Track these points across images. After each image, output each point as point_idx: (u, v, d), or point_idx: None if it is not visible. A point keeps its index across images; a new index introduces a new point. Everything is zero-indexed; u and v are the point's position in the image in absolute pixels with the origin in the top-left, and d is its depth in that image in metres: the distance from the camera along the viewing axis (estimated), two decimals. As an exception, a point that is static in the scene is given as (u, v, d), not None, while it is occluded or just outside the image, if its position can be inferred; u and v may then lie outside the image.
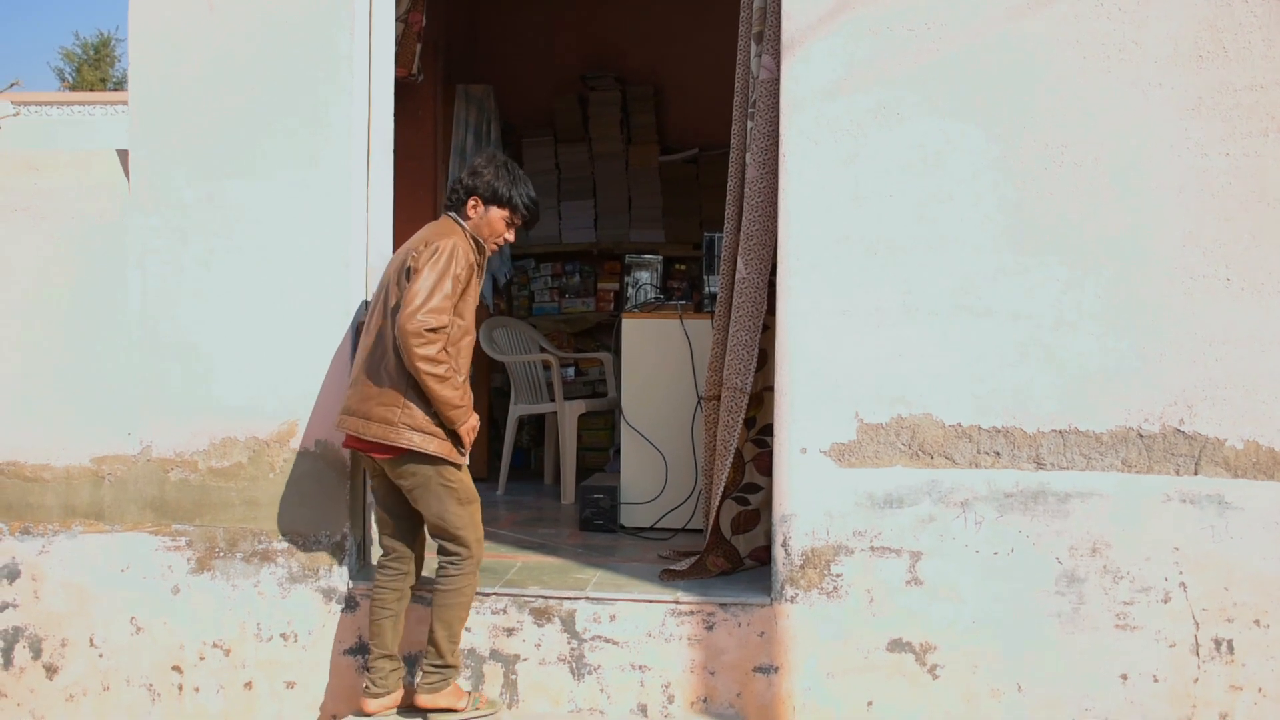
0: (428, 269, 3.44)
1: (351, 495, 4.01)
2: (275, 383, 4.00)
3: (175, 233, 4.02)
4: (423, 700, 3.62)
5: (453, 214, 3.68)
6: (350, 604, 3.95)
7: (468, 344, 3.59)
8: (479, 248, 3.64)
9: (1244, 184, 3.55)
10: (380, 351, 3.54)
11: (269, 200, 3.98)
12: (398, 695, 3.71)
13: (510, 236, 3.73)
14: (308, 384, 3.99)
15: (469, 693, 3.72)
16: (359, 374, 3.59)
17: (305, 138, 3.96)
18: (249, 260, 3.99)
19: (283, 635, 3.98)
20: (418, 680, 3.68)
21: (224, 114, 4.00)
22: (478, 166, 3.69)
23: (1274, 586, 3.55)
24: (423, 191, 5.72)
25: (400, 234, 4.75)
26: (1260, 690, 3.55)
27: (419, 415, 3.48)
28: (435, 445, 3.50)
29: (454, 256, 3.48)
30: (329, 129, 3.96)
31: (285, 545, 3.99)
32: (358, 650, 3.94)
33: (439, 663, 3.62)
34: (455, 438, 3.55)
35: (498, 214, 3.66)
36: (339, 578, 3.97)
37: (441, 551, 3.63)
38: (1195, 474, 3.58)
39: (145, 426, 4.04)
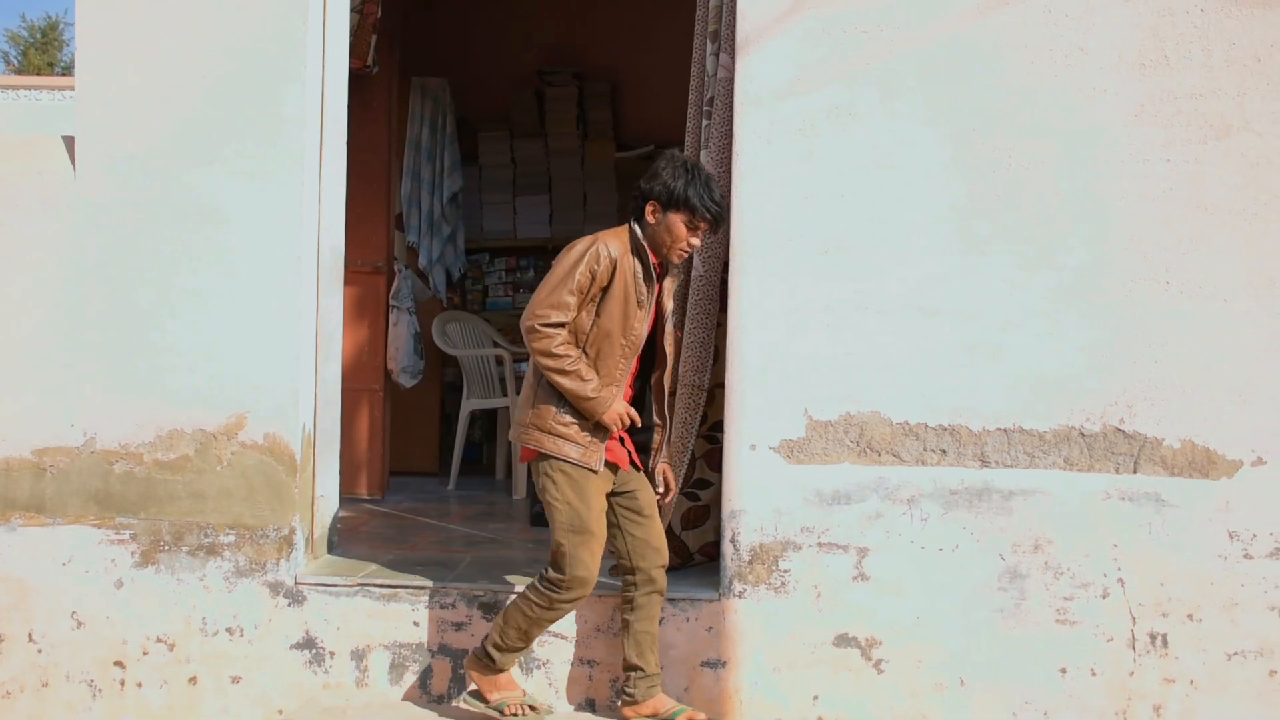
0: (555, 266, 3.42)
1: (300, 488, 3.98)
2: (224, 375, 3.96)
3: (122, 222, 3.97)
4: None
5: (632, 221, 3.52)
6: (297, 598, 3.93)
7: (611, 347, 3.44)
8: (642, 255, 3.45)
9: (1184, 190, 3.63)
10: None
11: (219, 190, 3.93)
12: (648, 705, 3.56)
13: (696, 242, 3.48)
14: (257, 376, 3.95)
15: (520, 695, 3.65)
16: None
17: (257, 126, 3.92)
18: (197, 250, 3.95)
19: (229, 630, 3.95)
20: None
21: (174, 101, 3.95)
22: (657, 169, 3.48)
23: (1207, 582, 3.63)
24: (377, 185, 5.68)
25: (353, 227, 4.74)
26: (1192, 682, 3.64)
27: (545, 413, 3.44)
28: (550, 443, 3.43)
29: (586, 255, 3.38)
30: (282, 118, 3.92)
31: (232, 539, 3.96)
32: (305, 645, 3.92)
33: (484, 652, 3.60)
34: (596, 436, 3.44)
35: (676, 218, 3.43)
36: (286, 572, 3.95)
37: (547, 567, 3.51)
38: (1134, 472, 3.66)
39: (89, 418, 3.99)
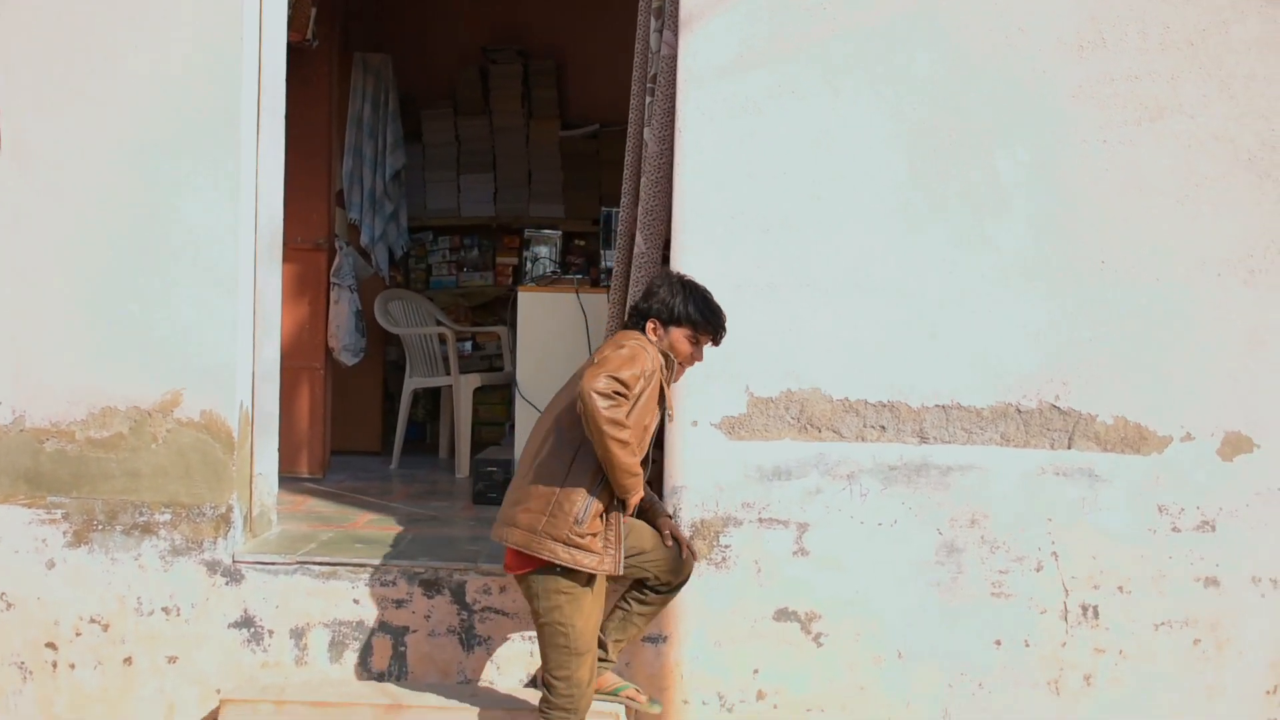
0: (613, 355, 3.24)
1: (238, 466, 3.94)
2: (159, 351, 3.89)
3: (48, 190, 3.87)
4: None
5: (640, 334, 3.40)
6: (235, 577, 3.89)
7: (639, 444, 3.30)
8: (667, 362, 3.36)
9: (1119, 172, 3.69)
10: (536, 450, 3.36)
11: (151, 160, 3.87)
12: (597, 681, 3.48)
13: (700, 357, 3.42)
14: (193, 353, 3.90)
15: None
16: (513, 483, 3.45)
17: (191, 95, 3.85)
18: (129, 223, 3.87)
19: (165, 609, 3.90)
20: None
21: (104, 69, 3.86)
22: (652, 286, 3.41)
23: (1136, 555, 3.71)
24: (317, 161, 5.61)
25: (293, 204, 4.68)
26: (1121, 652, 3.72)
27: (563, 522, 3.22)
28: (565, 553, 3.23)
29: (641, 355, 3.24)
30: (215, 87, 3.85)
31: (168, 517, 3.90)
32: (243, 624, 3.88)
33: None
34: (611, 539, 3.30)
35: (679, 334, 3.35)
36: (224, 550, 3.90)
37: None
38: (1069, 448, 3.72)
39: (18, 395, 3.90)
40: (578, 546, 3.22)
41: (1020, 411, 3.73)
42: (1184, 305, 3.69)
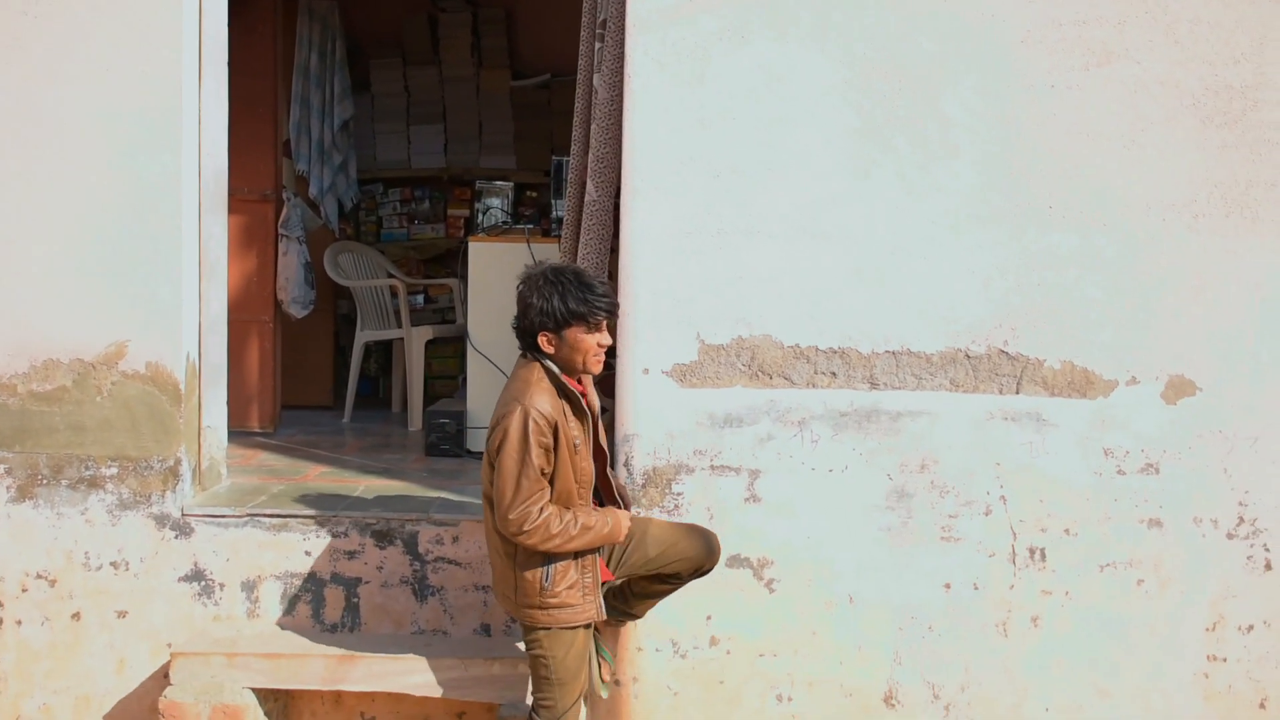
0: (501, 461, 3.07)
1: (185, 419, 3.89)
2: (102, 302, 3.82)
3: (-13, 142, 3.79)
4: None
5: (532, 356, 3.18)
6: (184, 530, 3.85)
7: (570, 499, 3.18)
8: (567, 392, 3.15)
9: (1066, 116, 3.70)
10: (488, 519, 3.25)
11: (91, 109, 3.78)
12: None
13: (607, 340, 3.19)
14: (138, 304, 3.83)
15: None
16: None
17: (128, 42, 3.76)
18: (69, 172, 3.79)
19: (113, 564, 3.86)
20: None
21: (40, 13, 3.76)
22: (523, 299, 3.15)
23: (1082, 498, 3.76)
24: (262, 110, 5.50)
25: (238, 154, 4.59)
26: (1067, 594, 3.78)
27: (530, 590, 3.16)
28: (545, 617, 3.17)
29: (525, 435, 3.03)
30: (155, 35, 3.76)
31: (115, 471, 3.85)
32: (193, 577, 3.85)
33: None
34: (586, 584, 3.21)
35: (575, 333, 3.12)
36: (172, 504, 3.86)
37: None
38: (1017, 393, 3.76)
39: (-42, 348, 3.83)
40: (554, 607, 3.15)
41: (969, 357, 3.75)
42: (1129, 250, 3.72)
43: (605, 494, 3.39)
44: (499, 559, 3.24)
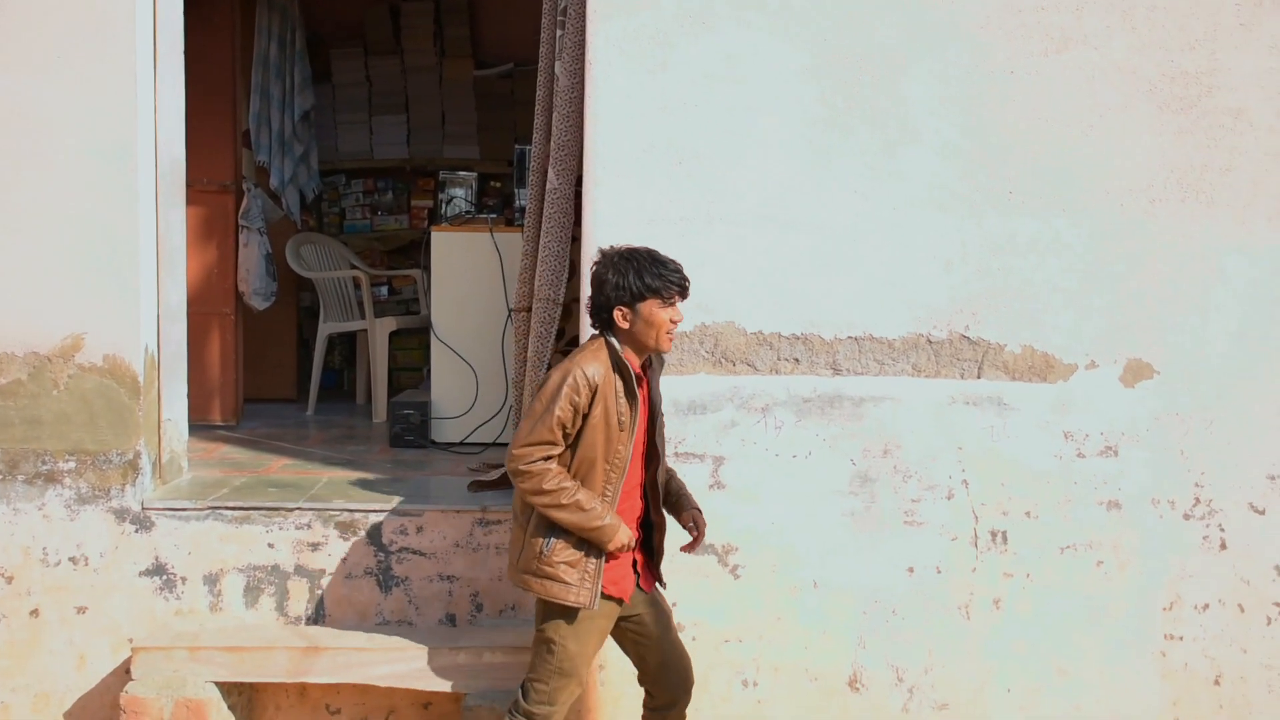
0: (533, 403, 3.12)
1: (145, 412, 3.85)
2: (57, 294, 3.78)
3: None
4: None
5: (603, 334, 3.18)
6: (145, 524, 3.81)
7: (594, 474, 3.12)
8: (624, 371, 3.11)
9: (1025, 101, 3.73)
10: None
11: (43, 98, 3.72)
12: None
13: (680, 317, 3.16)
14: (94, 296, 3.79)
15: None
16: None
17: (81, 30, 3.71)
18: (21, 162, 3.73)
19: (72, 559, 3.82)
20: None
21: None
22: (598, 276, 3.16)
23: (1043, 481, 3.80)
24: (221, 100, 5.45)
25: (198, 144, 4.55)
26: (1029, 576, 3.82)
27: (530, 553, 3.14)
28: (537, 585, 3.13)
29: (565, 387, 3.04)
30: (110, 26, 3.71)
31: (72, 465, 3.81)
32: (154, 571, 3.82)
33: None
34: (587, 571, 3.13)
35: (651, 306, 3.10)
36: (132, 497, 3.82)
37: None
38: (978, 377, 3.78)
39: (-90, 341, 3.77)
40: (547, 577, 3.11)
41: (931, 342, 3.78)
42: (1088, 235, 3.76)
43: (653, 503, 3.29)
44: (516, 526, 3.23)
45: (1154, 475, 3.81)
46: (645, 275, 3.10)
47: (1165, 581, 3.84)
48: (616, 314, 3.13)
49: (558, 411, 3.05)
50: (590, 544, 3.10)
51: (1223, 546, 3.83)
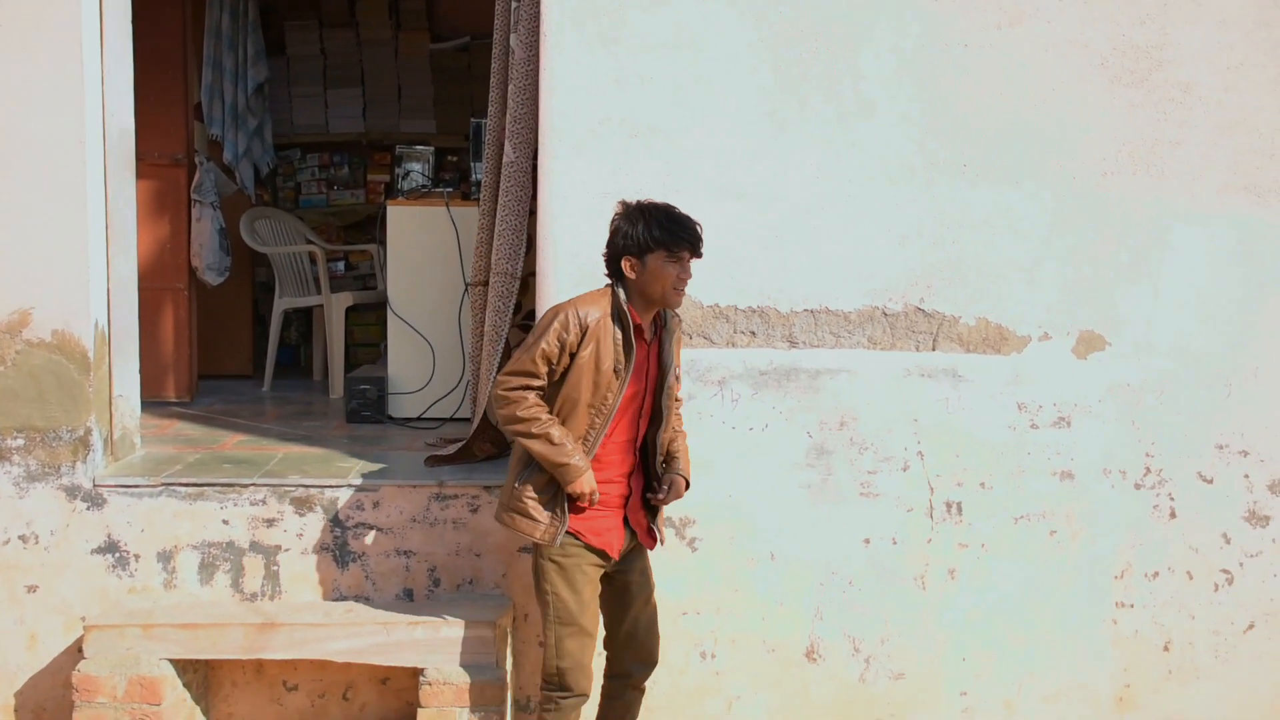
0: (528, 335, 3.21)
1: (95, 388, 3.79)
2: (2, 270, 3.70)
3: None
4: None
5: (614, 285, 3.19)
6: (96, 501, 3.77)
7: (576, 414, 3.14)
8: (624, 320, 3.13)
9: (981, 75, 3.74)
10: None
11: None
12: None
13: (686, 275, 3.16)
14: (41, 270, 3.72)
15: None
16: None
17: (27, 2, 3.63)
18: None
19: (21, 537, 3.76)
20: None
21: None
22: (612, 224, 3.18)
23: (997, 452, 3.84)
24: (172, 72, 5.35)
25: (148, 117, 4.47)
26: (983, 546, 3.86)
27: (509, 487, 3.23)
28: (508, 519, 3.21)
29: (552, 325, 3.11)
30: (53, -9, 3.64)
31: (21, 442, 3.75)
32: (107, 549, 3.77)
33: None
34: (555, 511, 3.17)
35: (658, 259, 3.10)
36: (83, 474, 3.77)
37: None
38: (933, 350, 3.81)
39: None
40: (517, 511, 3.18)
41: (887, 314, 3.80)
42: (1042, 207, 3.78)
43: (652, 463, 3.29)
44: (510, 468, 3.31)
45: (1106, 446, 3.86)
46: (655, 228, 3.11)
47: (1116, 550, 3.90)
48: (624, 264, 3.15)
49: (544, 345, 3.11)
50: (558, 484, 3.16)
51: (1172, 515, 3.89)
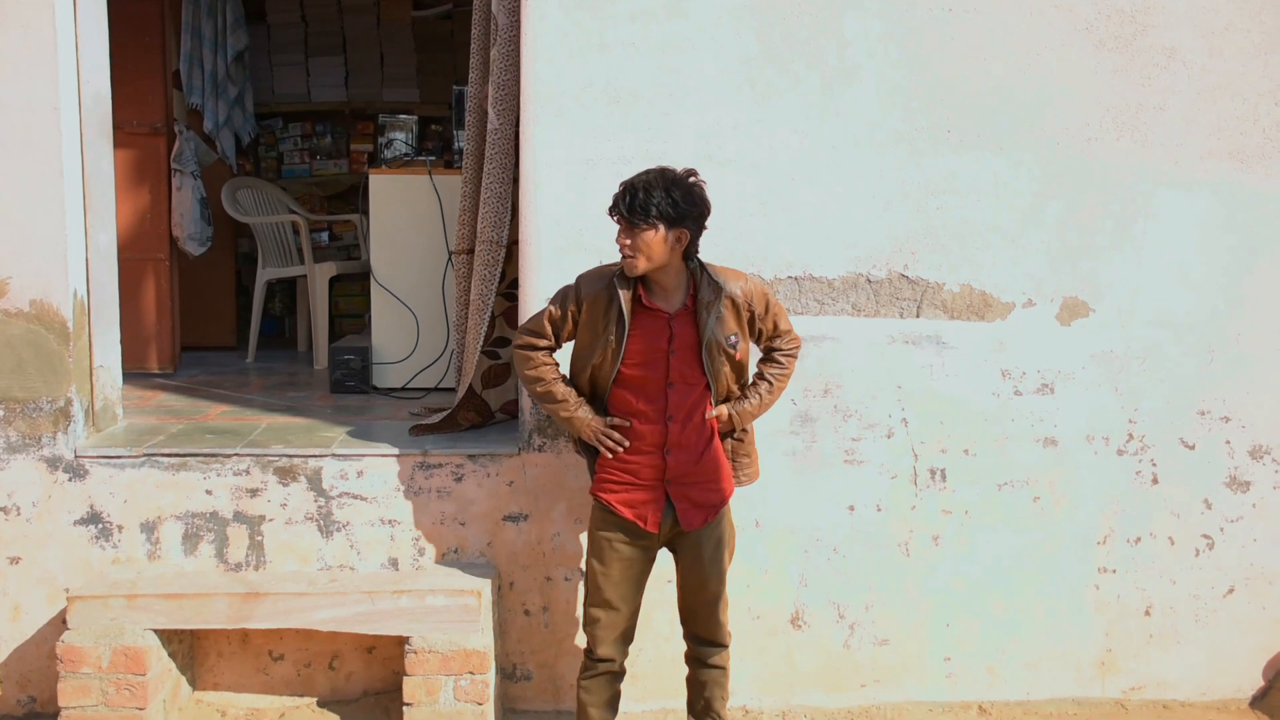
0: None
1: (75, 358, 3.76)
2: (-21, 239, 3.67)
3: None
4: None
5: None
6: (78, 473, 3.75)
7: (589, 380, 3.16)
8: (611, 290, 3.06)
9: (965, 40, 3.71)
10: None
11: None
12: None
13: (622, 242, 3.02)
14: (17, 238, 3.68)
15: None
16: None
17: (-1, -35, 3.58)
18: (-61, 101, 3.61)
19: (3, 509, 3.74)
20: None
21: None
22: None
23: (981, 419, 3.85)
24: (149, 39, 5.30)
25: (125, 84, 4.42)
26: (967, 512, 3.87)
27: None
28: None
29: (559, 291, 3.18)
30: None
31: (0, 414, 3.72)
32: (90, 520, 3.75)
33: None
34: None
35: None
36: (65, 445, 3.75)
37: None
38: (917, 316, 3.81)
39: None
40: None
41: (870, 281, 3.79)
42: (1025, 173, 3.77)
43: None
44: None
45: (1089, 412, 3.87)
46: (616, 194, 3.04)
47: (1099, 516, 3.92)
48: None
49: (549, 308, 3.19)
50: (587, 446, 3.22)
51: (1154, 481, 3.91)
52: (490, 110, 3.88)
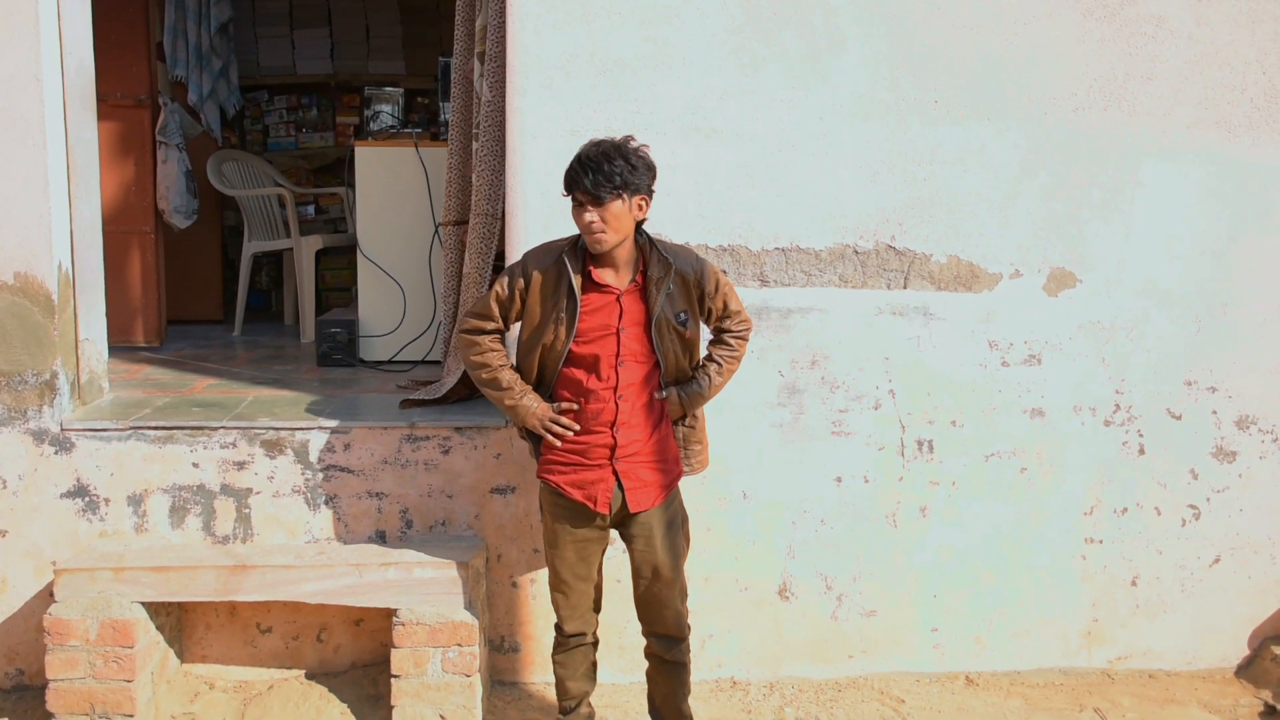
0: None
1: (61, 331, 3.74)
2: (-38, 211, 3.64)
3: None
4: None
5: None
6: (64, 445, 3.73)
7: (537, 361, 3.08)
8: (560, 267, 3.00)
9: (953, 10, 3.69)
10: None
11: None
12: None
13: (590, 218, 2.91)
14: (2, 212, 3.65)
15: None
16: None
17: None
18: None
19: (-11, 482, 3.74)
20: None
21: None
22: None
23: (968, 390, 3.85)
24: (132, 9, 5.25)
25: (108, 56, 4.37)
26: (954, 484, 3.88)
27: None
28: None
29: (506, 270, 3.10)
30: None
31: (-14, 387, 3.71)
32: (76, 493, 3.74)
33: None
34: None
35: (573, 203, 2.96)
36: (50, 418, 3.73)
37: None
38: (904, 288, 3.80)
39: None
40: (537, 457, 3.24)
41: (858, 253, 3.78)
42: (1012, 143, 3.77)
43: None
44: None
45: (1076, 383, 3.88)
46: (568, 169, 2.93)
47: (1086, 487, 3.93)
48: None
49: (496, 289, 3.10)
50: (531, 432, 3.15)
51: (1141, 451, 3.92)
52: (484, 83, 3.85)
